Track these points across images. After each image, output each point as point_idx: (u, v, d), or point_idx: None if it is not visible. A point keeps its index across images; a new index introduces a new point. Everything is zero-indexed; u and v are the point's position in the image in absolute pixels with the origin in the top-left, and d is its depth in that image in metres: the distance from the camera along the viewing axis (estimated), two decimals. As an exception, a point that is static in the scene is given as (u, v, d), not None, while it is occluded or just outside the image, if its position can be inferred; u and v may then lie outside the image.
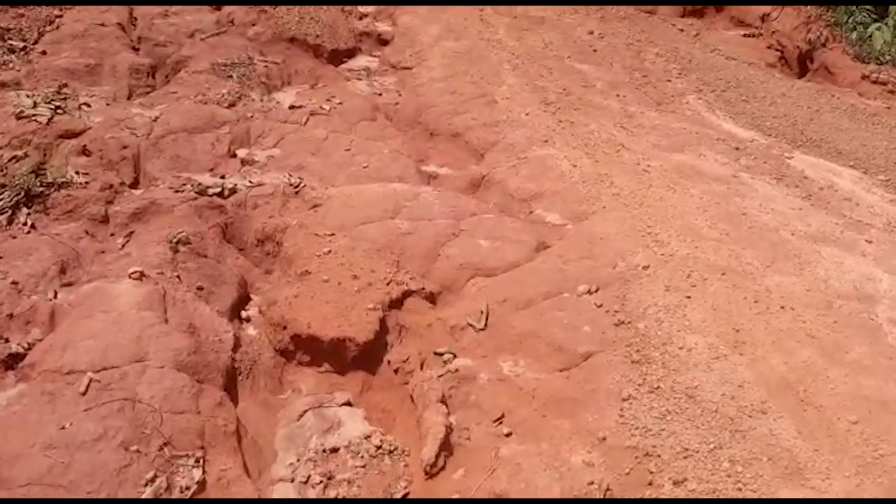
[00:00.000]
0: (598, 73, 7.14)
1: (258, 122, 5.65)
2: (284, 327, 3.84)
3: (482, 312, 3.90)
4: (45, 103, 5.21)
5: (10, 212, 4.20)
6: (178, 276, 3.94)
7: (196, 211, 4.51)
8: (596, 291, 3.99)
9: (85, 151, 4.88)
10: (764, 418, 3.19)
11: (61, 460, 2.79)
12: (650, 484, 2.95)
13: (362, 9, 8.49)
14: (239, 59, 6.55)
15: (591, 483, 2.95)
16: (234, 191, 4.78)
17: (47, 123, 5.00)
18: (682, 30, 8.98)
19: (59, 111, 5.18)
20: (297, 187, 4.84)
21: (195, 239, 4.25)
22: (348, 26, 7.82)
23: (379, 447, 3.33)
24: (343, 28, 7.70)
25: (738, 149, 5.82)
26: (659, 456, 3.03)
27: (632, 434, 3.13)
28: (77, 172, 4.62)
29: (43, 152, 4.79)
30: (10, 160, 4.59)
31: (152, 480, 2.83)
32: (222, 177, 4.96)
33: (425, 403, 3.41)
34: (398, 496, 3.14)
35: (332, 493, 3.13)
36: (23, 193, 4.30)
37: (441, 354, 3.72)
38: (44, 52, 6.19)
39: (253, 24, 7.17)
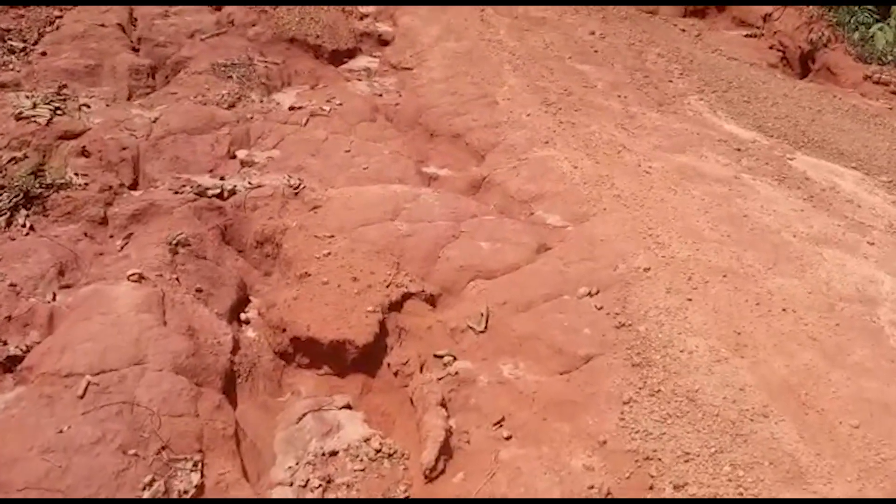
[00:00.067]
0: (599, 74, 7.12)
1: (258, 123, 5.64)
2: (284, 329, 3.82)
3: (482, 315, 3.88)
4: (45, 104, 5.20)
5: (8, 213, 4.19)
6: (176, 279, 3.92)
7: (195, 212, 4.49)
8: (596, 294, 3.97)
9: (84, 153, 4.87)
10: (765, 422, 3.17)
11: (59, 464, 2.77)
12: (651, 488, 2.93)
13: (363, 9, 8.48)
14: (239, 60, 6.54)
15: (592, 487, 2.94)
16: (233, 192, 4.77)
17: (47, 124, 5.00)
18: (683, 30, 8.96)
19: (58, 112, 5.18)
20: (296, 189, 4.83)
21: (194, 241, 4.24)
22: (349, 27, 7.81)
23: (378, 450, 3.32)
24: (343, 28, 7.69)
25: (739, 150, 5.80)
26: (660, 460, 3.02)
27: (632, 438, 3.12)
28: (76, 174, 4.61)
29: (42, 154, 4.78)
30: (9, 161, 4.58)
31: (150, 484, 2.81)
32: (222, 178, 4.95)
33: (425, 406, 3.39)
34: (397, 500, 3.12)
35: (331, 497, 3.11)
36: (22, 195, 4.29)
37: (441, 357, 3.71)
38: (44, 53, 6.18)
39: (253, 25, 7.16)
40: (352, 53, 7.55)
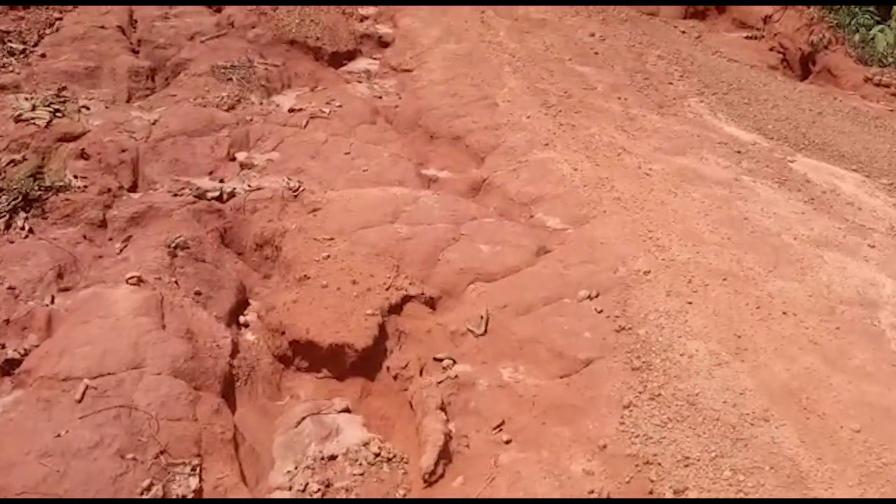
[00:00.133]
0: (599, 76, 7.11)
1: (258, 126, 5.63)
2: (283, 333, 3.82)
3: (482, 318, 3.87)
4: (44, 106, 5.19)
5: (7, 216, 4.18)
6: (175, 282, 3.91)
7: (195, 215, 4.49)
8: (596, 297, 3.96)
9: (84, 155, 4.86)
10: (766, 426, 3.16)
11: (57, 469, 2.76)
12: (651, 493, 2.92)
13: (363, 11, 8.48)
14: (239, 62, 6.54)
15: (592, 492, 2.93)
16: (232, 195, 4.76)
17: (46, 127, 4.99)
18: (683, 32, 8.95)
19: (58, 114, 5.17)
20: (296, 191, 4.82)
21: (193, 243, 4.23)
22: (349, 28, 7.81)
23: (377, 454, 3.30)
24: (343, 30, 7.68)
25: (739, 152, 5.78)
26: (660, 464, 3.00)
27: (632, 442, 3.11)
28: (75, 176, 4.60)
29: (41, 156, 4.77)
30: (8, 164, 4.57)
31: (148, 489, 2.80)
32: (221, 180, 4.94)
33: (424, 410, 3.38)
34: None
35: (329, 502, 3.11)
36: (21, 198, 4.28)
37: (440, 360, 3.70)
38: (43, 55, 6.18)
39: (253, 27, 7.16)
40: (352, 55, 7.54)
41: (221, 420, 3.23)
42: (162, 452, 2.94)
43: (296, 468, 3.21)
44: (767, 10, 9.11)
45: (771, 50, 8.76)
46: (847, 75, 8.00)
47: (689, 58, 7.89)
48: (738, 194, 5.06)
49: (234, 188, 4.82)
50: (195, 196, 4.63)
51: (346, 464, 3.25)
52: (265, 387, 3.68)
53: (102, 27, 6.69)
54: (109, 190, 4.58)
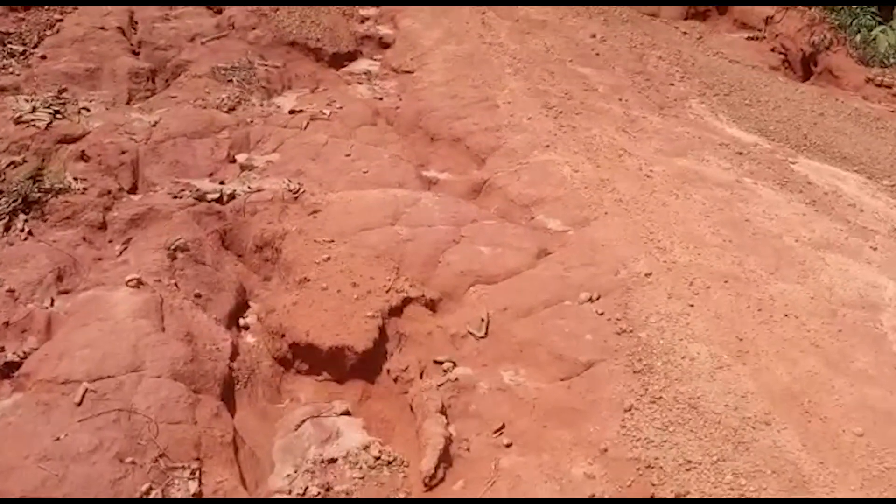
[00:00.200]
0: (600, 77, 7.10)
1: (258, 127, 5.62)
2: (283, 335, 3.81)
3: (483, 320, 3.86)
4: (44, 108, 5.18)
5: (7, 218, 4.17)
6: (175, 284, 3.90)
7: (195, 217, 4.48)
8: (597, 299, 3.95)
9: (84, 157, 4.85)
10: (768, 430, 3.14)
11: (55, 473, 2.75)
12: (652, 497, 2.90)
13: (363, 12, 8.47)
14: (239, 63, 6.53)
15: (593, 496, 2.91)
16: (232, 196, 4.75)
17: (46, 128, 4.98)
18: (685, 33, 8.94)
19: (58, 116, 5.16)
20: (296, 193, 4.81)
21: (193, 245, 4.22)
22: (349, 30, 7.80)
23: (378, 458, 3.29)
24: (344, 31, 7.67)
25: (741, 153, 5.77)
26: (661, 468, 2.99)
27: (634, 446, 3.09)
28: (75, 178, 4.59)
29: (41, 158, 4.76)
30: (7, 166, 4.56)
31: (147, 493, 2.79)
32: (221, 182, 4.93)
33: (425, 413, 3.37)
34: (397, 508, 3.10)
35: (329, 505, 3.10)
36: (20, 200, 4.27)
37: (441, 363, 3.69)
38: (43, 57, 6.16)
39: (253, 28, 7.15)
40: (352, 56, 7.53)
41: (221, 423, 3.22)
42: (161, 456, 2.92)
43: (295, 471, 3.20)
44: (769, 10, 9.10)
45: (772, 51, 8.75)
46: (849, 76, 7.98)
47: (690, 59, 7.88)
48: (740, 196, 5.05)
49: (235, 190, 4.81)
50: (195, 198, 4.62)
51: (346, 467, 3.24)
52: (265, 389, 3.67)
53: (103, 28, 6.68)
54: (109, 192, 4.57)
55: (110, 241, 4.30)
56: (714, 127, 6.37)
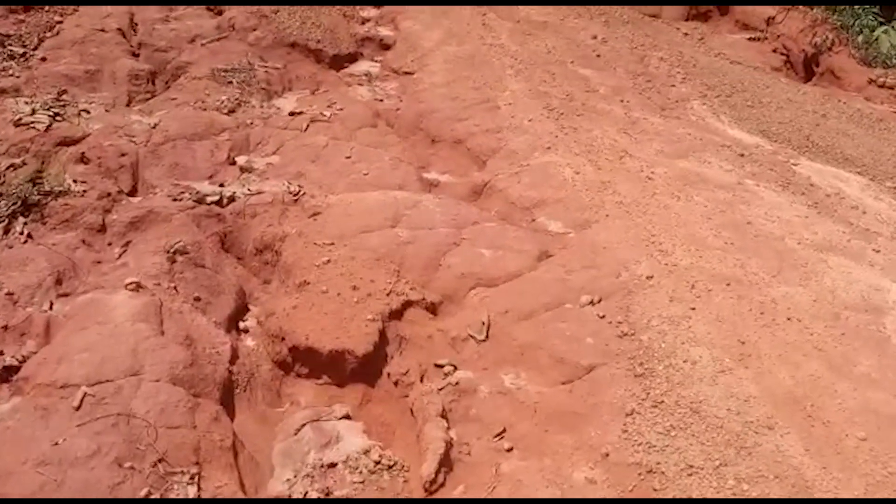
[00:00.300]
0: (601, 79, 7.08)
1: (258, 129, 5.61)
2: (283, 339, 3.79)
3: (483, 323, 3.84)
4: (44, 110, 5.17)
5: (6, 221, 4.15)
6: (174, 287, 3.89)
7: (194, 220, 4.46)
8: (599, 302, 3.93)
9: (83, 159, 4.84)
10: (770, 434, 3.12)
11: (54, 478, 2.74)
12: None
13: (364, 13, 8.46)
14: (239, 65, 6.51)
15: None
16: (232, 199, 4.74)
17: (46, 131, 4.97)
18: (686, 34, 8.92)
19: (57, 118, 5.15)
20: (296, 195, 4.79)
21: (193, 248, 4.20)
22: (350, 31, 7.78)
23: (378, 462, 3.27)
24: (344, 33, 7.66)
25: (743, 155, 5.75)
26: (663, 473, 2.97)
27: (635, 450, 3.07)
28: (75, 181, 4.57)
29: (41, 160, 4.74)
30: (7, 168, 4.54)
31: (146, 498, 2.77)
32: (221, 185, 4.92)
33: (425, 417, 3.36)
34: (397, 513, 3.08)
35: (329, 510, 3.08)
36: (20, 202, 4.25)
37: (441, 366, 3.67)
38: (43, 59, 6.15)
39: (254, 30, 7.13)
40: (353, 58, 7.51)
41: (220, 427, 3.20)
42: (160, 461, 2.91)
43: (295, 476, 3.19)
44: (770, 11, 9.08)
45: (774, 52, 8.73)
46: (851, 77, 7.96)
47: (691, 60, 7.85)
48: (742, 198, 5.02)
49: (234, 192, 4.79)
50: (195, 200, 4.61)
51: (346, 472, 3.22)
52: (265, 393, 3.65)
53: (103, 30, 6.66)
54: (109, 194, 4.56)
55: (109, 244, 4.29)
56: (716, 128, 6.35)
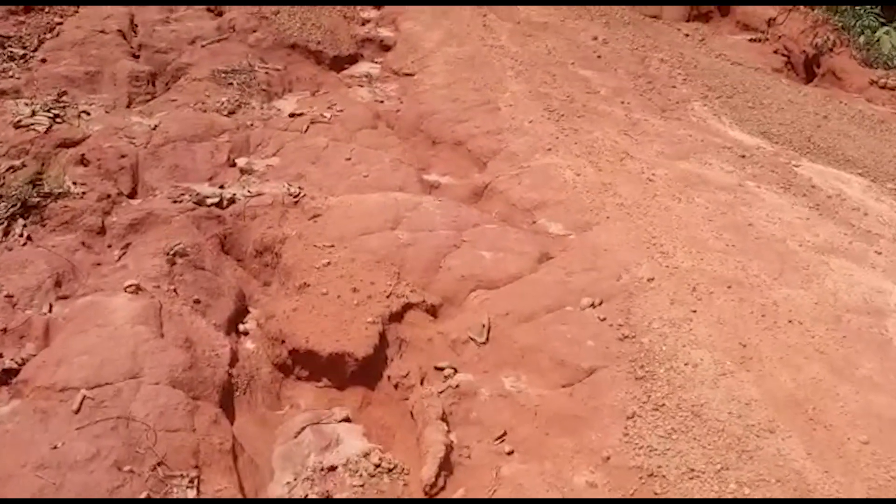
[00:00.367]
0: (602, 80, 7.07)
1: (258, 131, 5.60)
2: (282, 341, 3.78)
3: (484, 326, 3.83)
4: (44, 112, 5.17)
5: (5, 223, 4.15)
6: (174, 289, 3.88)
7: (194, 222, 4.45)
8: (599, 304, 3.92)
9: (83, 161, 4.83)
10: (772, 438, 3.11)
11: (53, 481, 2.72)
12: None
13: (364, 14, 8.46)
14: (239, 66, 6.51)
15: None
16: (232, 201, 4.73)
17: (46, 132, 4.96)
18: (687, 35, 8.91)
19: (57, 120, 5.14)
20: (296, 197, 4.78)
21: (193, 251, 4.19)
22: (350, 32, 7.78)
23: (378, 465, 3.26)
24: (345, 34, 7.66)
25: (744, 156, 5.73)
26: (664, 476, 2.96)
27: (636, 454, 3.06)
28: (74, 182, 4.56)
29: (41, 162, 4.74)
30: (7, 170, 4.54)
31: (147, 498, 2.76)
32: (221, 186, 4.91)
33: (425, 420, 3.34)
34: (397, 517, 3.07)
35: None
36: (19, 204, 4.25)
37: (442, 369, 3.66)
38: (43, 60, 6.15)
39: (254, 31, 7.13)
40: (353, 59, 7.52)
41: (220, 430, 3.19)
42: (159, 464, 2.90)
43: (295, 479, 3.18)
44: (771, 12, 9.07)
45: (775, 52, 8.72)
46: (852, 78, 7.95)
47: (692, 61, 7.85)
48: (743, 200, 5.01)
49: (234, 194, 4.78)
50: (195, 202, 4.60)
51: (345, 475, 3.21)
52: (264, 396, 3.64)
53: (103, 31, 6.66)
54: (108, 196, 4.55)
55: (109, 247, 4.28)
56: (717, 130, 6.34)
